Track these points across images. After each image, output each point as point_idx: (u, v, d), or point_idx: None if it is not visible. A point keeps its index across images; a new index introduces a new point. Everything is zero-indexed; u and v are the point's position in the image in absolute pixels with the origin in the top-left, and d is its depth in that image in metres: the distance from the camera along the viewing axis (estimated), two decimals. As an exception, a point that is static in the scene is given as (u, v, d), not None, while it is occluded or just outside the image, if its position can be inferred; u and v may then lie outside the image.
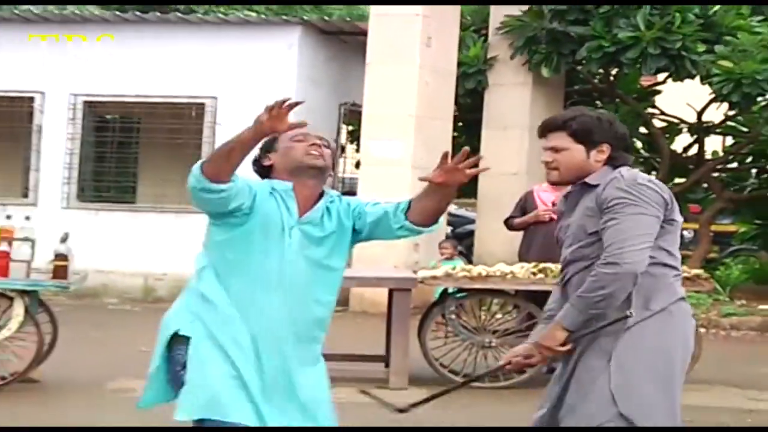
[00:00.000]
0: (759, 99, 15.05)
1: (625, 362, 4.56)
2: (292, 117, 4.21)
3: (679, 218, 4.71)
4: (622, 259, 4.48)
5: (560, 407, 4.69)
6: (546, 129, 4.77)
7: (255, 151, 4.53)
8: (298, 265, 4.51)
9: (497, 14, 16.14)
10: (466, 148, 4.35)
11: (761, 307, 14.95)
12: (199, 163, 4.41)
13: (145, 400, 4.64)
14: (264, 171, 4.66)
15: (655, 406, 4.55)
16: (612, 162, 4.70)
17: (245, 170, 4.35)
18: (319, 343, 4.67)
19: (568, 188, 4.84)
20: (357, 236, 4.64)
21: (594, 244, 4.61)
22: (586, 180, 4.68)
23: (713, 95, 15.66)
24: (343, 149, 17.53)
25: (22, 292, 8.68)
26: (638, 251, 4.49)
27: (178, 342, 4.49)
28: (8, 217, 8.95)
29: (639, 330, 4.57)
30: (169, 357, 4.52)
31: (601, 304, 4.51)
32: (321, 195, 4.60)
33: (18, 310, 8.68)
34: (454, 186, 4.39)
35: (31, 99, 16.25)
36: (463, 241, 17.44)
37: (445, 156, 4.35)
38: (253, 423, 4.41)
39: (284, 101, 4.21)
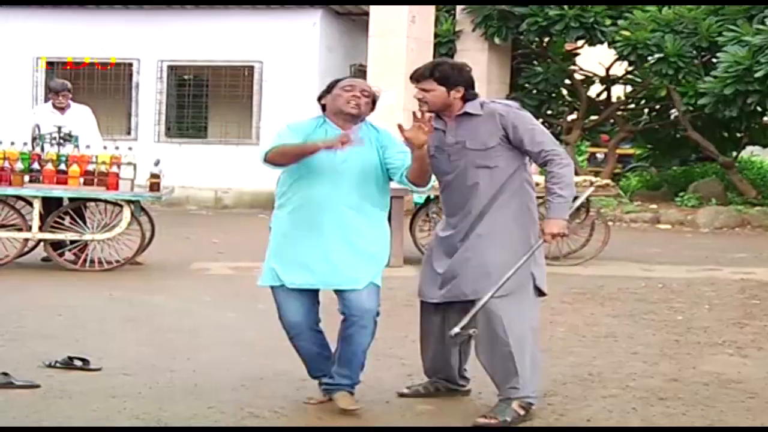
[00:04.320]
0: (649, 58, 14.92)
1: None
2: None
3: None
4: (568, 159, 4.52)
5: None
6: (419, 77, 4.58)
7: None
8: (344, 166, 4.41)
9: (463, -1, 15.97)
10: (416, 113, 4.26)
11: (651, 206, 14.98)
12: (263, 152, 4.34)
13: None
14: (322, 107, 4.55)
15: None
16: (467, 98, 4.62)
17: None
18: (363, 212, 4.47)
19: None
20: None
21: (497, 156, 4.52)
22: (468, 110, 4.59)
23: (617, 56, 15.54)
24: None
25: (129, 201, 8.67)
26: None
27: None
28: (116, 148, 8.83)
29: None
30: None
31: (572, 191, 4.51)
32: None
33: (126, 214, 8.68)
34: (419, 144, 4.23)
35: (131, 64, 16.09)
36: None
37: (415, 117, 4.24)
38: (301, 285, 4.42)
39: (345, 138, 4.19)
